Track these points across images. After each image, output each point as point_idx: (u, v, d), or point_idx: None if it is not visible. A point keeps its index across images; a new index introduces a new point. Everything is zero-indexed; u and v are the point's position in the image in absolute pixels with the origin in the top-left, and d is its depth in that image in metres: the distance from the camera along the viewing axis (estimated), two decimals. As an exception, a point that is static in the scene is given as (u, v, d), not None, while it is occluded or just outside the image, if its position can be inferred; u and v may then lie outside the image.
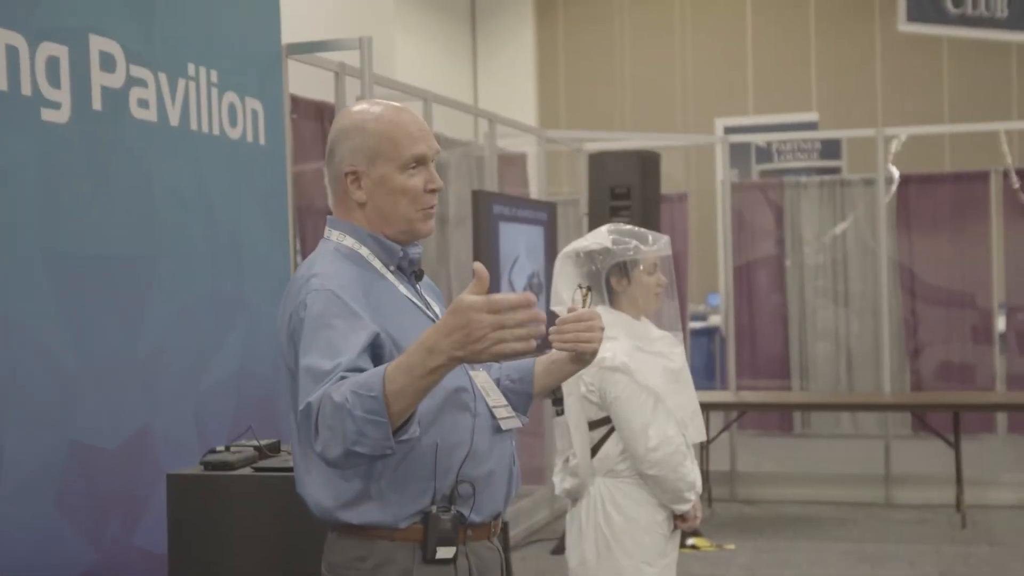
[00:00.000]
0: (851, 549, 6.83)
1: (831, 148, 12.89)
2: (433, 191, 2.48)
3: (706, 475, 7.99)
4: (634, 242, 3.58)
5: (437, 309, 2.55)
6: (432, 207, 2.50)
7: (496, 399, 2.50)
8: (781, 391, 10.00)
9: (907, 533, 7.25)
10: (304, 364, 2.25)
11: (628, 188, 6.77)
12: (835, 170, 12.50)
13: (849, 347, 10.34)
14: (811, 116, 13.42)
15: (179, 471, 3.21)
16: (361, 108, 2.51)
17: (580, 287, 2.70)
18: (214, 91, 4.26)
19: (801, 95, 13.99)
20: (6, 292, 3.27)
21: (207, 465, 3.15)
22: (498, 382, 2.62)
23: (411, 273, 2.55)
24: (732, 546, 6.93)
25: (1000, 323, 10.02)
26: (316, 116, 5.86)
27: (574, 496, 3.63)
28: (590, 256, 3.59)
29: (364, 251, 2.46)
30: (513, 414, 2.52)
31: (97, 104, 3.68)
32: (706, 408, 8.06)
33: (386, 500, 2.35)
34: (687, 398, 3.62)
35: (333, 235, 2.51)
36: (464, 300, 2.04)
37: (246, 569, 3.02)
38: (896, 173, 9.53)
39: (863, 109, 13.34)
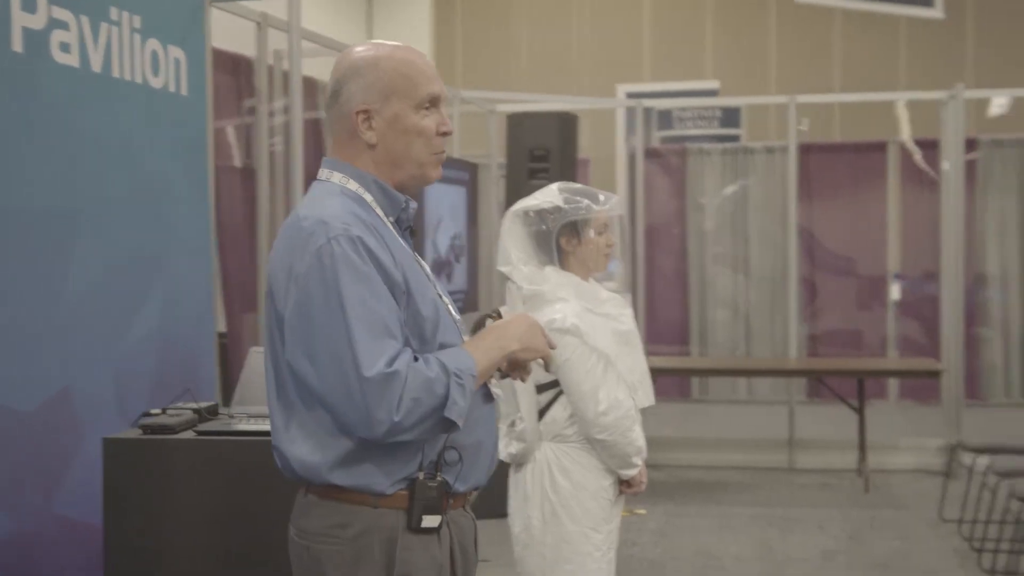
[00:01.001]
0: (760, 513, 6.88)
1: (731, 116, 12.95)
2: (444, 134, 2.36)
3: (614, 440, 8.00)
4: (586, 201, 3.49)
5: (427, 269, 2.44)
6: (443, 152, 2.38)
7: None
8: (681, 356, 10.07)
9: (812, 497, 7.34)
10: (352, 327, 2.12)
11: (547, 150, 6.69)
12: (734, 138, 12.59)
13: (747, 314, 10.47)
14: (712, 84, 13.46)
15: (116, 435, 3.05)
16: (369, 46, 2.37)
17: (491, 316, 2.61)
18: (136, 37, 4.06)
19: (697, 63, 14.03)
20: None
21: (146, 429, 2.99)
22: None
23: (407, 228, 2.43)
24: (643, 511, 6.93)
25: (894, 291, 10.23)
26: (233, 70, 5.65)
27: (519, 461, 3.54)
28: (540, 215, 3.49)
29: (368, 197, 2.31)
30: (496, 383, 2.44)
31: (18, 46, 3.48)
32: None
33: (376, 462, 2.23)
34: (636, 361, 3.55)
35: (335, 177, 2.34)
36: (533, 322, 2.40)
37: (187, 538, 2.89)
38: (796, 142, 9.62)
39: (757, 78, 13.43)
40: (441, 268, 5.49)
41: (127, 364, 3.95)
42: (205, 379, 4.41)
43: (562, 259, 3.52)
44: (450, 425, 2.17)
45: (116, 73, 3.95)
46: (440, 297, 2.36)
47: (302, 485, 2.29)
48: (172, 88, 4.30)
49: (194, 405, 3.16)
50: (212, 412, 3.20)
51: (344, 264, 2.14)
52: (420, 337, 2.23)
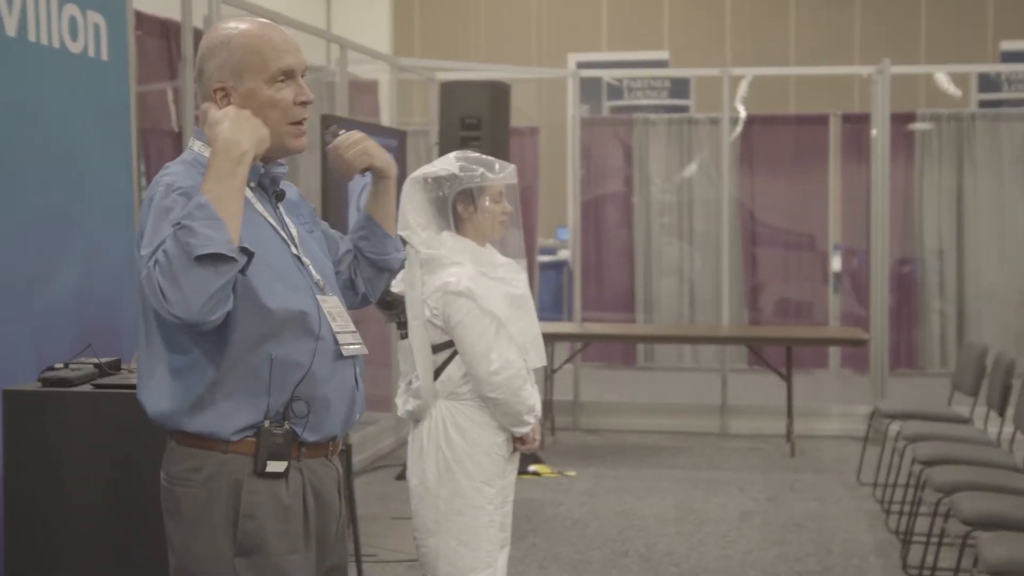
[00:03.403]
0: (686, 476, 7.06)
1: (680, 87, 13.09)
2: (304, 104, 2.49)
3: (549, 404, 8.16)
4: (481, 169, 3.62)
5: (295, 230, 2.57)
6: (302, 121, 2.51)
7: (342, 325, 2.54)
8: (625, 324, 10.22)
9: (739, 461, 7.52)
10: (145, 244, 2.29)
11: (478, 119, 6.79)
12: (683, 109, 12.71)
13: (692, 283, 10.61)
14: (662, 55, 13.58)
15: (15, 387, 3.15)
16: (227, 25, 2.51)
17: (327, 130, 2.81)
18: (54, 2, 4.13)
19: (653, 34, 14.13)
20: None
21: (45, 382, 3.11)
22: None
23: (272, 192, 2.57)
24: (573, 473, 7.09)
25: (835, 263, 10.39)
26: (162, 34, 5.72)
27: (416, 418, 3.68)
28: (437, 182, 3.62)
29: None
30: (359, 342, 2.58)
31: (-71, 9, 3.55)
32: (551, 339, 8.22)
33: (220, 410, 2.39)
34: (528, 324, 3.69)
35: (196, 145, 2.52)
36: (236, 108, 2.39)
37: (85, 486, 3.00)
38: (742, 113, 9.76)
39: (712, 49, 13.55)
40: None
41: (44, 322, 4.03)
42: (126, 338, 4.50)
43: (459, 225, 3.65)
44: (221, 258, 2.20)
45: (32, 37, 4.02)
46: (299, 259, 2.50)
47: (167, 433, 2.44)
48: (92, 53, 4.36)
49: (96, 360, 3.27)
50: (114, 367, 3.32)
51: (155, 206, 2.33)
52: (247, 296, 2.36)
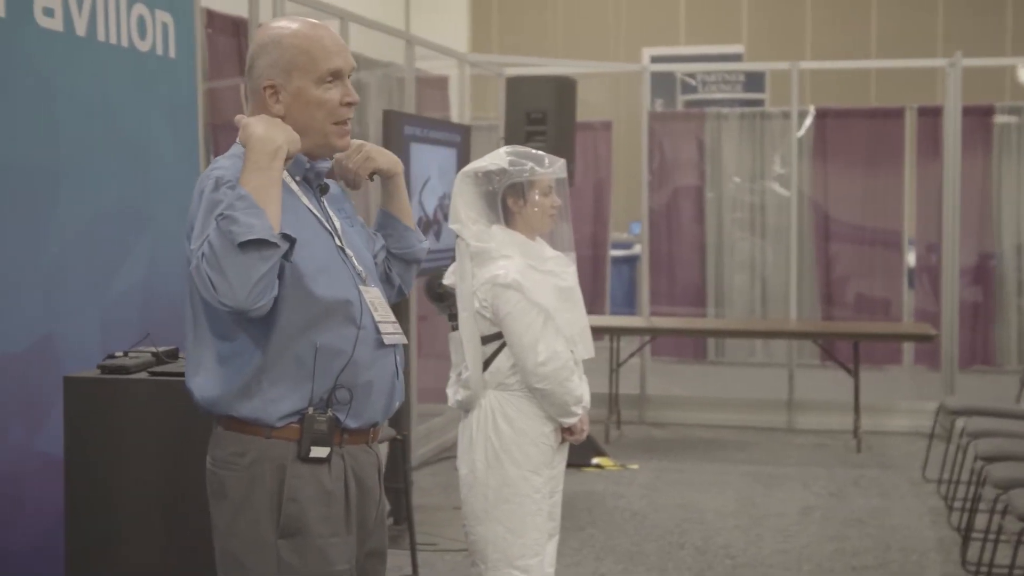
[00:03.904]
0: (749, 471, 7.07)
1: (755, 81, 13.03)
2: (349, 104, 2.58)
3: (615, 398, 8.21)
4: (530, 164, 3.69)
5: (338, 223, 2.66)
6: (347, 121, 2.59)
7: (383, 315, 2.62)
8: (695, 318, 10.21)
9: (804, 457, 7.50)
10: (195, 237, 2.39)
11: (544, 113, 6.84)
12: (758, 103, 12.65)
13: (764, 278, 10.57)
14: (737, 48, 13.53)
15: (76, 374, 3.28)
16: (279, 24, 2.60)
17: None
18: (123, 3, 4.27)
19: (731, 27, 14.08)
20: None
21: (104, 369, 3.23)
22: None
23: (317, 186, 2.66)
24: (635, 466, 7.13)
25: (910, 258, 10.29)
26: (232, 32, 5.86)
27: (466, 407, 3.76)
28: (487, 176, 3.69)
29: None
30: (399, 331, 2.66)
31: (0, 11, 3.69)
32: (618, 332, 8.27)
33: (266, 396, 2.47)
34: (576, 316, 3.75)
35: (240, 139, 2.58)
36: (266, 116, 2.48)
37: (141, 468, 3.12)
38: (812, 107, 9.70)
39: (791, 43, 13.46)
40: (428, 227, 5.69)
41: (112, 313, 4.17)
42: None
43: (509, 219, 3.72)
44: (264, 244, 2.29)
45: (101, 37, 4.16)
46: (343, 250, 2.58)
47: (213, 419, 2.54)
48: (160, 51, 4.50)
49: (153, 349, 3.40)
50: (171, 356, 3.43)
51: (205, 199, 2.42)
52: (293, 285, 2.45)
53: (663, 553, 5.44)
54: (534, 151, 3.75)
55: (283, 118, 2.52)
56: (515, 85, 7.04)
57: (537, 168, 3.69)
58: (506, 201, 3.70)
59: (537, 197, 3.71)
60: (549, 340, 3.62)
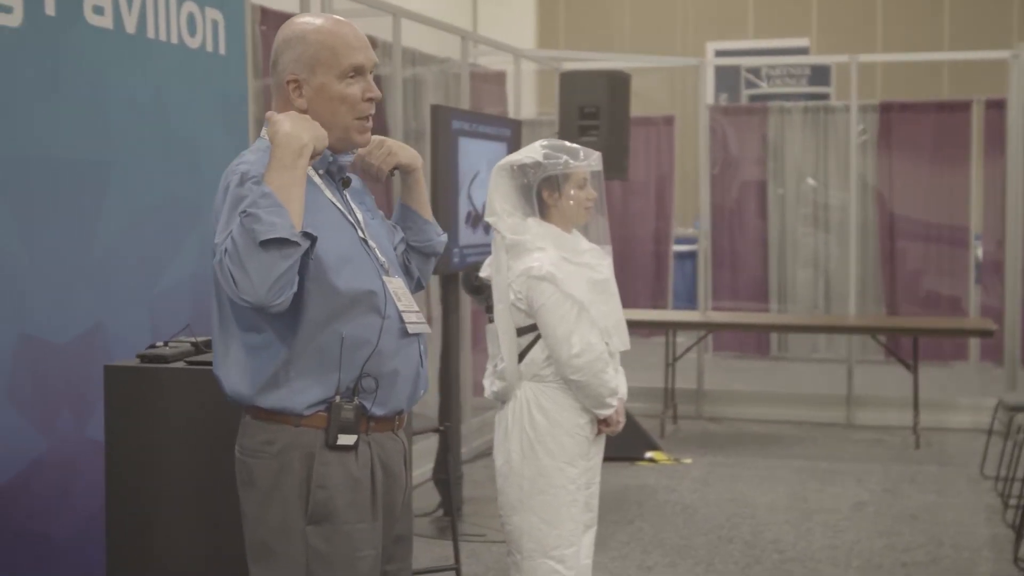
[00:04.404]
0: (804, 466, 7.03)
1: (820, 74, 12.92)
2: (371, 100, 2.62)
3: (672, 392, 8.19)
4: (564, 157, 3.71)
5: (360, 215, 2.70)
6: (369, 116, 2.64)
7: (407, 305, 2.66)
8: (756, 313, 10.15)
9: (861, 452, 7.44)
10: (216, 240, 2.43)
11: (597, 108, 6.85)
12: (824, 96, 12.55)
13: (828, 273, 10.48)
14: (802, 42, 13.41)
15: (116, 363, 3.37)
16: (303, 19, 2.65)
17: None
18: (172, 1, 4.35)
19: (800, 20, 13.96)
20: (-48, 191, 3.40)
21: (143, 358, 3.31)
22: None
23: (339, 179, 2.70)
24: (689, 460, 7.13)
25: (977, 253, 10.13)
26: (286, 29, 5.93)
27: (502, 399, 3.79)
28: (522, 169, 3.72)
29: None
30: (422, 320, 2.70)
31: (51, 10, 3.77)
32: (675, 327, 8.26)
33: (293, 386, 2.52)
34: (611, 308, 3.77)
35: (268, 134, 2.63)
36: (295, 112, 2.52)
37: (178, 455, 3.19)
38: (877, 101, 9.60)
39: (862, 35, 13.31)
40: (477, 221, 5.73)
41: (162, 304, 4.26)
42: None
43: (544, 211, 3.75)
44: (285, 242, 2.33)
45: (151, 34, 4.25)
46: (365, 242, 2.62)
47: (242, 408, 2.59)
48: (210, 48, 4.58)
49: (193, 339, 3.47)
50: (209, 345, 3.49)
51: (232, 194, 2.47)
52: (318, 277, 2.49)
53: (711, 547, 5.44)
54: (569, 144, 3.77)
55: (305, 112, 2.57)
56: (568, 80, 7.05)
57: (571, 161, 3.71)
58: (541, 194, 3.73)
59: (572, 190, 3.73)
60: (583, 332, 3.64)
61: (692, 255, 12.74)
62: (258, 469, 2.55)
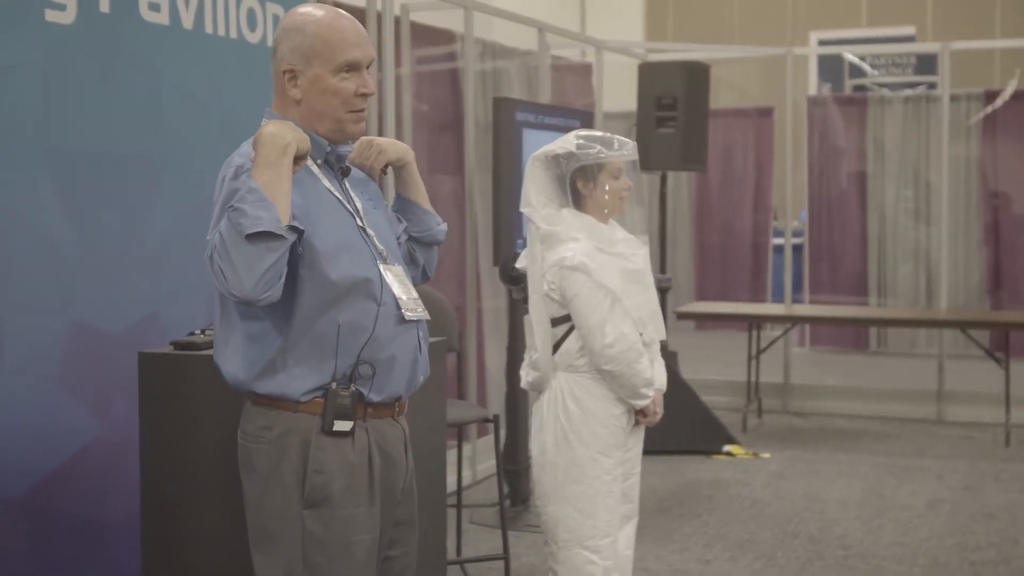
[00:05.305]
0: (884, 462, 6.89)
1: (927, 63, 12.59)
2: (364, 95, 2.65)
3: (756, 386, 8.10)
4: (598, 147, 3.70)
5: (359, 204, 2.74)
6: (362, 111, 2.67)
7: (404, 292, 2.69)
8: (850, 307, 9.98)
9: (947, 449, 7.27)
10: (214, 220, 2.50)
11: (674, 99, 6.82)
12: (931, 85, 12.23)
13: (929, 266, 10.24)
14: (908, 30, 13.09)
15: (150, 351, 3.46)
16: (304, 10, 2.69)
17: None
18: (232, -1, 4.44)
19: (915, 8, 13.61)
20: (7, 185, 3.51)
21: (176, 345, 3.39)
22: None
23: (338, 169, 2.75)
24: (767, 454, 7.04)
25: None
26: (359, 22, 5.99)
27: (537, 389, 3.80)
28: (556, 160, 3.72)
29: None
30: (420, 307, 2.72)
31: (105, 7, 3.87)
32: (758, 320, 8.16)
33: (291, 373, 2.57)
34: (646, 298, 3.75)
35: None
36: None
37: (209, 440, 3.26)
38: (983, 90, 9.36)
39: (979, 23, 12.94)
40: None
41: (213, 295, 4.35)
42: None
43: (579, 202, 3.74)
44: (271, 236, 2.38)
45: (208, 30, 4.34)
46: (364, 230, 2.66)
47: (243, 394, 2.65)
48: (270, 43, 4.66)
49: (229, 327, 3.54)
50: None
51: (226, 186, 2.53)
52: (312, 266, 2.52)
53: (775, 541, 5.37)
54: (605, 134, 3.76)
55: (300, 102, 2.62)
56: (647, 71, 7.03)
57: (605, 151, 3.70)
58: (575, 184, 3.73)
59: (607, 180, 3.72)
60: (616, 322, 3.63)
61: (795, 248, 12.59)
62: (258, 454, 2.61)
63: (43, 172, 3.65)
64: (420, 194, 2.96)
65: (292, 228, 2.43)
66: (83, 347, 3.78)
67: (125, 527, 3.88)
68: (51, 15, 3.68)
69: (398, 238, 2.89)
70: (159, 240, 4.10)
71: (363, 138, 2.82)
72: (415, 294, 2.73)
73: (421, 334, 2.73)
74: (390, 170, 2.94)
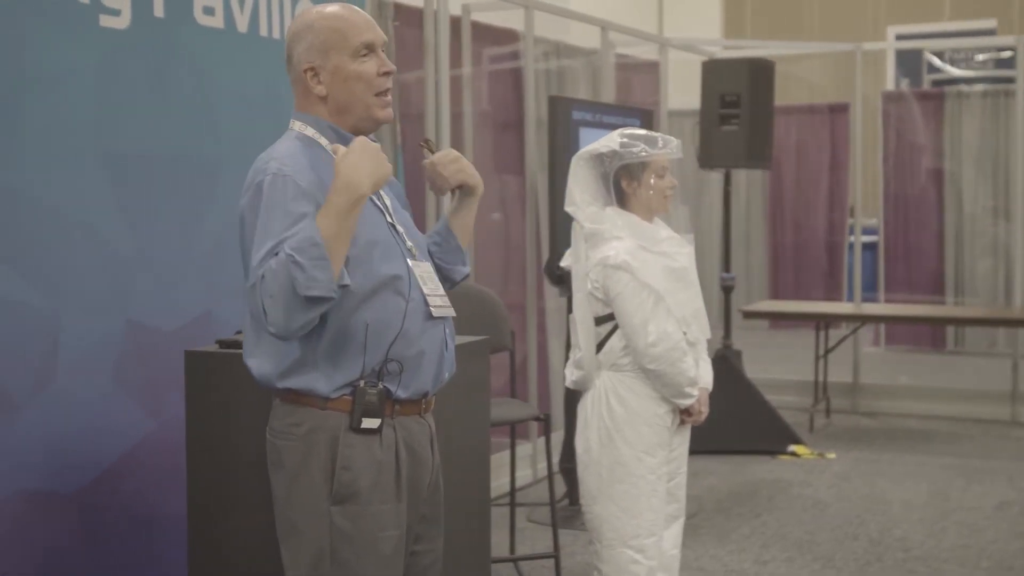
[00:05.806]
0: (953, 463, 6.78)
1: (1008, 57, 12.36)
2: (386, 74, 2.68)
3: (824, 386, 8.02)
4: (641, 145, 3.69)
5: (388, 201, 2.77)
6: (387, 91, 2.70)
7: (432, 289, 2.71)
8: (925, 305, 9.82)
9: (1019, 451, 7.13)
10: (256, 243, 2.50)
11: (738, 96, 6.77)
12: (1010, 79, 12.00)
13: (1008, 264, 10.05)
14: (989, 23, 12.84)
15: (196, 349, 3.52)
16: (308, 12, 2.74)
17: (421, 144, 2.91)
18: (287, 1, 4.50)
19: (998, 1, 13.34)
20: (62, 187, 3.58)
21: (222, 344, 3.46)
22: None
23: None
24: (832, 455, 6.97)
25: None
26: (418, 23, 6.04)
27: (581, 387, 3.81)
28: (600, 159, 3.73)
29: (323, 141, 2.68)
30: (448, 304, 2.74)
31: (159, 11, 3.94)
32: (826, 319, 8.07)
33: (320, 370, 2.60)
34: (689, 297, 3.74)
35: (295, 125, 2.74)
36: (367, 141, 2.50)
37: (249, 436, 3.30)
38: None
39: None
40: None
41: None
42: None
43: (623, 200, 3.75)
44: (320, 300, 2.39)
45: (263, 33, 4.40)
46: (394, 227, 2.69)
47: (272, 391, 2.70)
48: (324, 45, 4.72)
49: (272, 326, 3.60)
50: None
51: (267, 197, 2.51)
52: (348, 268, 2.54)
53: (834, 543, 5.31)
54: (649, 132, 3.75)
55: (326, 98, 2.64)
56: (710, 68, 6.99)
57: (649, 149, 3.69)
58: (620, 183, 3.73)
59: (651, 178, 3.72)
60: (660, 321, 3.63)
61: (870, 246, 12.42)
62: (286, 451, 2.64)
63: (99, 175, 3.72)
64: (467, 229, 2.93)
65: (341, 286, 2.45)
66: (138, 346, 3.85)
67: (175, 524, 3.96)
68: (106, 20, 3.75)
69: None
70: (213, 240, 4.16)
71: (450, 150, 2.84)
72: (442, 291, 2.74)
73: (448, 331, 2.75)
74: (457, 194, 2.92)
